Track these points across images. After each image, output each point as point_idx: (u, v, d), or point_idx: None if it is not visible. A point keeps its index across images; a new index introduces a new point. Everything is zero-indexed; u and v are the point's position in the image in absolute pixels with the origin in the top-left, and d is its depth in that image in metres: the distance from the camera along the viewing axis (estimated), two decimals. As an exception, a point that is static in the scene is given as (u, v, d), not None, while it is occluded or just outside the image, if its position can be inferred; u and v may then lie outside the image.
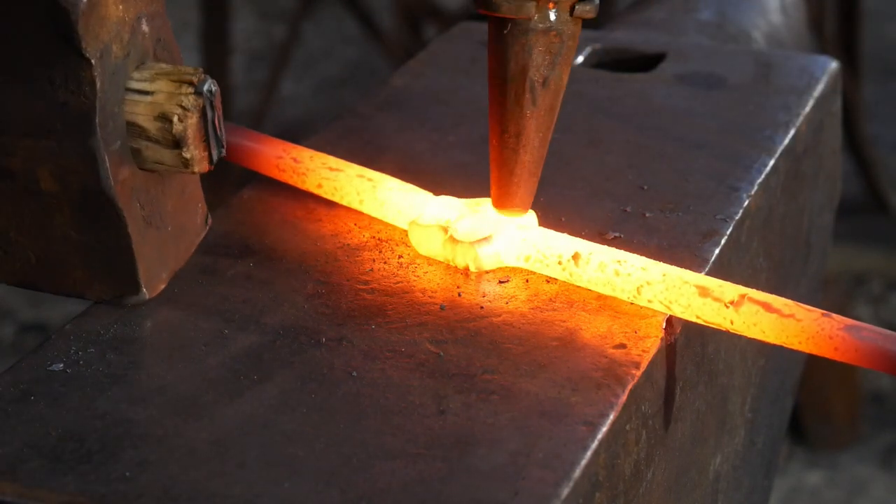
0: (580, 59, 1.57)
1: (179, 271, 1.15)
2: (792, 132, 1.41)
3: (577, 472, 0.96)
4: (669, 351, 1.10)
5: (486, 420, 1.00)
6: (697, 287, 1.10)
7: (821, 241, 1.59)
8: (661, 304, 1.10)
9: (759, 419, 1.42)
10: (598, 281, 1.13)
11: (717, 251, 1.20)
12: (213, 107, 1.09)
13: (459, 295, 1.14)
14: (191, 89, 1.08)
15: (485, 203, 1.20)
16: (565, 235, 1.17)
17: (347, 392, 1.03)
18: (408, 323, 1.11)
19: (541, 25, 1.12)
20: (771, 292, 1.09)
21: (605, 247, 1.15)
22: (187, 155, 1.08)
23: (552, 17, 1.12)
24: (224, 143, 1.11)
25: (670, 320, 1.11)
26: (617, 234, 1.22)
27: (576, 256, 1.14)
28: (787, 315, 1.06)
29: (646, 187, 1.30)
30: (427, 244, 1.18)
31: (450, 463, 0.96)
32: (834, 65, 1.55)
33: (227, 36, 3.74)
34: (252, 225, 1.24)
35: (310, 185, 1.26)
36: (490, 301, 1.13)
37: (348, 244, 1.22)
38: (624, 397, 1.03)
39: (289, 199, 1.27)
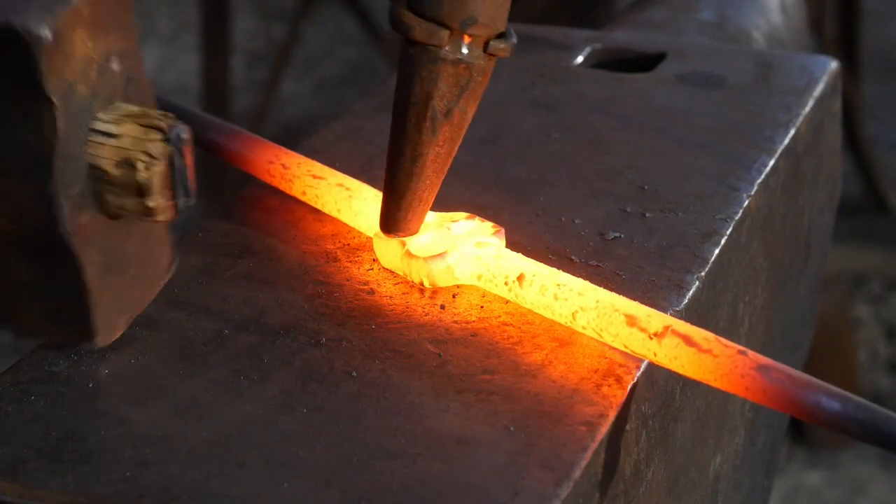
0: (580, 59, 1.57)
1: (176, 274, 1.13)
2: (792, 132, 1.41)
3: (577, 472, 0.96)
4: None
5: (486, 420, 1.00)
6: (626, 316, 1.06)
7: (821, 241, 1.59)
8: (593, 331, 1.07)
9: (759, 419, 1.42)
10: (539, 304, 1.10)
11: (717, 251, 1.20)
12: (181, 154, 1.02)
13: (459, 295, 1.14)
14: (159, 135, 1.02)
15: (458, 218, 1.18)
16: (519, 255, 1.14)
17: (347, 392, 1.03)
18: (408, 323, 1.11)
19: (451, 56, 1.10)
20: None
21: (551, 269, 1.12)
22: (151, 204, 1.02)
23: (464, 49, 1.10)
24: (192, 192, 1.04)
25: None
26: (617, 234, 1.22)
27: (520, 278, 1.12)
28: (704, 350, 1.02)
29: (646, 187, 1.30)
30: (387, 257, 1.17)
31: (450, 463, 0.96)
32: (834, 65, 1.55)
33: (227, 36, 3.74)
34: (252, 225, 1.24)
35: (296, 191, 1.26)
36: (490, 301, 1.13)
37: (348, 244, 1.22)
38: (624, 397, 1.03)
39: (288, 198, 1.27)
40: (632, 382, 1.04)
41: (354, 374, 1.05)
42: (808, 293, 1.56)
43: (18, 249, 1.03)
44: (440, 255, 1.14)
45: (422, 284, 1.14)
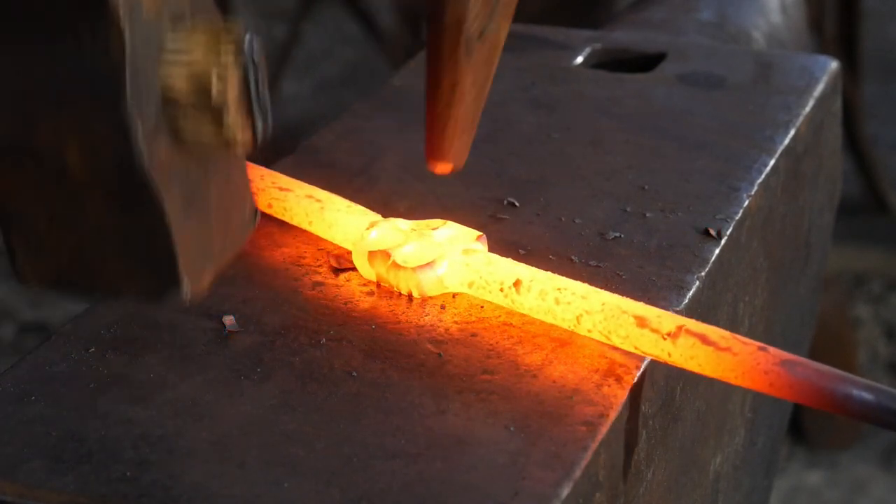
0: (580, 59, 1.57)
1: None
2: (792, 132, 1.41)
3: (577, 472, 0.96)
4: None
5: (486, 420, 1.00)
6: (635, 317, 1.06)
7: (821, 241, 1.59)
8: (600, 334, 1.07)
9: (759, 419, 1.42)
10: (539, 309, 1.10)
11: (717, 251, 1.20)
12: (256, 68, 0.97)
13: (459, 295, 1.14)
14: (231, 47, 0.97)
15: (436, 225, 1.18)
16: (510, 260, 1.14)
17: (347, 392, 1.03)
18: (408, 323, 1.11)
19: None
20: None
21: (550, 273, 1.12)
22: (228, 126, 0.96)
23: None
24: (269, 117, 0.99)
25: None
26: (617, 234, 1.22)
27: (517, 283, 1.11)
28: (722, 348, 1.02)
29: (646, 187, 1.30)
30: (369, 268, 1.15)
31: (450, 463, 0.96)
32: (834, 65, 1.55)
33: (227, 36, 3.73)
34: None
35: (261, 204, 1.23)
36: (490, 301, 1.13)
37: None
38: (624, 397, 1.03)
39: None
40: (632, 382, 1.04)
41: (354, 374, 1.05)
42: (808, 293, 1.57)
43: (95, 191, 0.98)
44: (429, 265, 1.13)
45: (410, 295, 1.14)
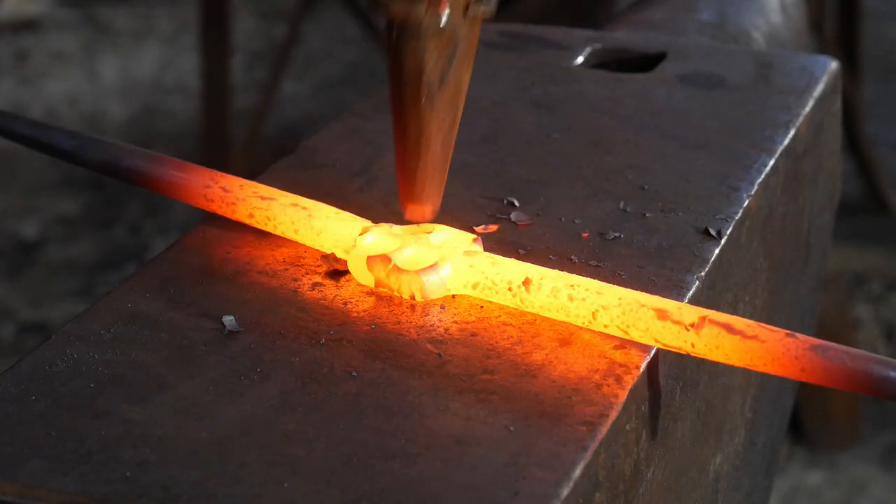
0: (580, 59, 1.57)
1: (176, 274, 1.10)
2: (792, 132, 1.41)
3: (577, 472, 0.96)
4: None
5: (486, 420, 1.00)
6: (655, 310, 1.06)
7: (821, 241, 1.59)
8: (617, 328, 1.07)
9: (759, 419, 1.42)
10: (550, 307, 1.10)
11: (717, 251, 1.20)
12: None
13: (458, 295, 1.14)
14: None
15: (430, 229, 1.17)
16: (514, 260, 1.14)
17: (347, 392, 1.03)
18: (408, 323, 1.11)
19: (432, 27, 1.11)
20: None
21: (557, 271, 1.12)
22: None
23: (444, 19, 1.11)
24: None
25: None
26: (617, 234, 1.22)
27: (526, 282, 1.11)
28: (749, 336, 1.02)
29: (646, 187, 1.30)
30: (366, 274, 1.14)
31: (450, 463, 0.96)
32: (834, 65, 1.55)
33: (227, 36, 3.74)
34: (252, 225, 1.24)
35: (240, 214, 1.21)
36: (490, 301, 1.13)
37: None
38: (624, 397, 1.03)
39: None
40: (632, 382, 1.04)
41: (354, 374, 1.05)
42: (808, 293, 1.56)
43: None
44: (432, 268, 1.13)
45: (413, 298, 1.13)
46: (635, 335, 1.07)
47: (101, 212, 3.86)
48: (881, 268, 3.47)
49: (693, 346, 1.04)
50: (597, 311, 1.08)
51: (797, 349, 1.01)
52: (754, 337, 1.02)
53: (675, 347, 1.06)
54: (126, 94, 4.53)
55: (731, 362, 1.04)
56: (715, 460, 1.28)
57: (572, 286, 1.09)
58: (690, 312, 1.05)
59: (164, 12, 5.05)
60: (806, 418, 3.01)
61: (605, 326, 1.08)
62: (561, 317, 1.10)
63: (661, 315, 1.06)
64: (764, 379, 1.40)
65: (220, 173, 1.24)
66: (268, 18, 4.97)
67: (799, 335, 1.01)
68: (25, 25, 4.92)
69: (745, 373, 1.32)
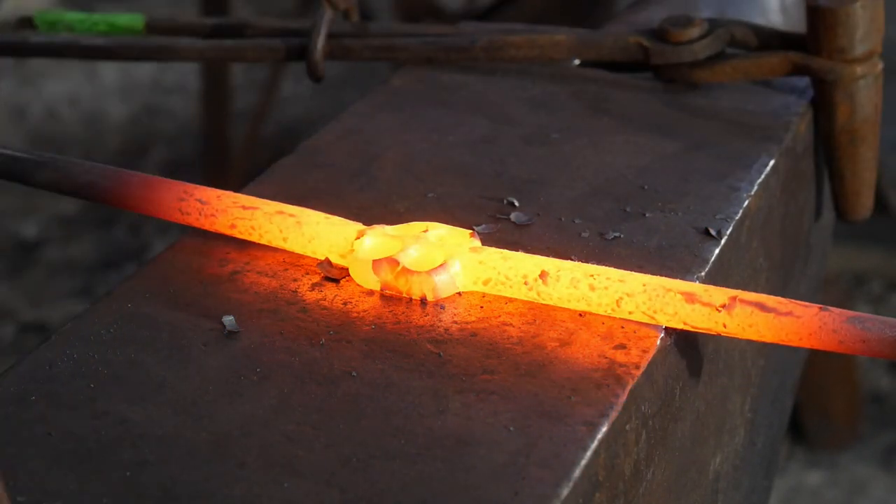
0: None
1: (176, 274, 1.10)
2: (792, 132, 1.41)
3: (577, 472, 0.96)
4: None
5: (486, 420, 1.00)
6: (683, 293, 1.07)
7: (821, 241, 1.59)
8: (644, 314, 1.08)
9: (759, 419, 1.42)
10: (570, 297, 1.10)
11: (717, 251, 1.20)
12: None
13: (459, 295, 1.14)
14: None
15: (421, 228, 1.17)
16: (522, 254, 1.14)
17: (347, 392, 1.03)
18: (408, 323, 1.11)
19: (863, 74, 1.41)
20: (771, 292, 1.09)
21: (570, 262, 1.13)
22: None
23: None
24: None
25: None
26: (617, 234, 1.22)
27: (543, 275, 1.11)
28: (783, 313, 1.04)
29: (646, 187, 1.30)
30: (371, 277, 1.14)
31: (450, 463, 0.96)
32: (834, 65, 1.54)
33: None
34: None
35: (220, 226, 1.20)
36: (490, 301, 1.13)
37: (348, 244, 1.22)
38: (624, 397, 1.03)
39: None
40: (632, 382, 1.04)
41: (354, 374, 1.05)
42: (808, 293, 1.56)
43: None
44: (441, 267, 1.13)
45: (423, 298, 1.13)
46: (662, 319, 1.08)
47: (101, 212, 3.87)
48: (881, 268, 3.47)
49: (725, 326, 1.06)
50: (621, 298, 1.09)
51: (834, 322, 1.02)
52: (789, 313, 1.04)
53: (705, 329, 1.07)
54: (126, 94, 4.53)
55: (764, 339, 1.05)
56: (715, 460, 1.28)
57: (592, 276, 1.11)
58: (719, 294, 1.07)
59: (164, 12, 5.05)
60: (806, 418, 3.01)
61: (630, 313, 1.09)
62: (581, 307, 1.10)
63: (689, 298, 1.07)
64: (763, 379, 1.40)
65: (192, 185, 1.21)
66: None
67: (833, 308, 1.03)
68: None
69: (745, 373, 1.32)
